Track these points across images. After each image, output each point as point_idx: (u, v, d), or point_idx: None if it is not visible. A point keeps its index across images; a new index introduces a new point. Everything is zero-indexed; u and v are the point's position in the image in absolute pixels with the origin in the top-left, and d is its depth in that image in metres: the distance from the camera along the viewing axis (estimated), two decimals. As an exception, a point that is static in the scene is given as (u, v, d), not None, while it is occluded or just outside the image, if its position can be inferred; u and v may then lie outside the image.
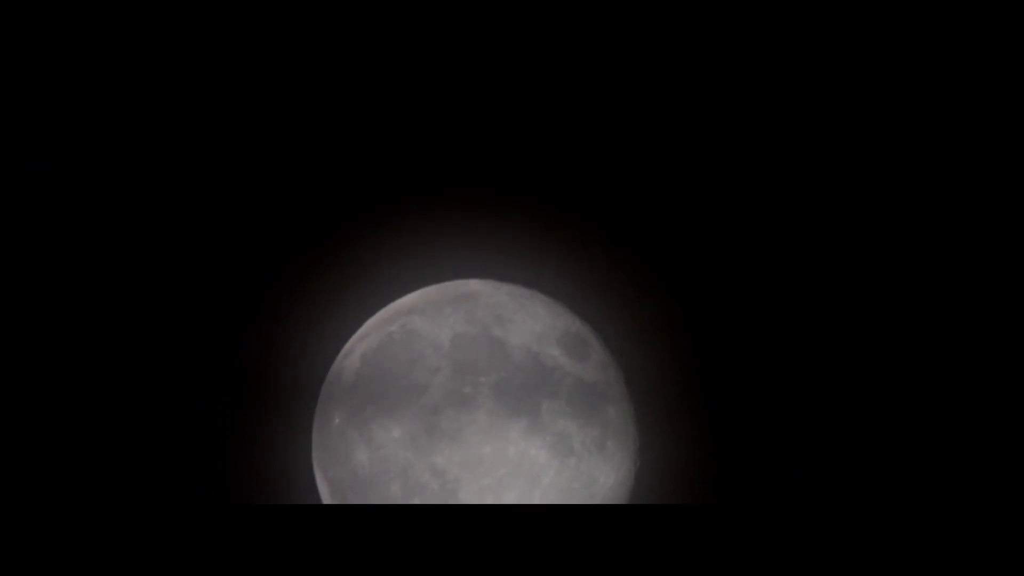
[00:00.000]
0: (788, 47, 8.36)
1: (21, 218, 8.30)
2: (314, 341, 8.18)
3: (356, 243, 8.35)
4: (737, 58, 8.38)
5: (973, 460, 8.36)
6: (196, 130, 8.37)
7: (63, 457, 8.28)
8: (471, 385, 7.35)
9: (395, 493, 7.40)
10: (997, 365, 8.44)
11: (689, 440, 8.39)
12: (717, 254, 8.54)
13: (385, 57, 8.36)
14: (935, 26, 8.34)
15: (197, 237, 8.39)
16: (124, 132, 8.34)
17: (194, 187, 8.40)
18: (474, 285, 8.02)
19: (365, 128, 8.41)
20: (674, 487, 8.29)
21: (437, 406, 7.31)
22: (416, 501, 7.36)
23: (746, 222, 8.56)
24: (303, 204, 8.41)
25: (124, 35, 8.23)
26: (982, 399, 8.39)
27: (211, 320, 8.43)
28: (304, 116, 8.42)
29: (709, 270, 8.54)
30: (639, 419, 8.00)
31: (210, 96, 8.34)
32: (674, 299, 8.56)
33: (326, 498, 7.92)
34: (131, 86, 8.31)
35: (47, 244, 8.30)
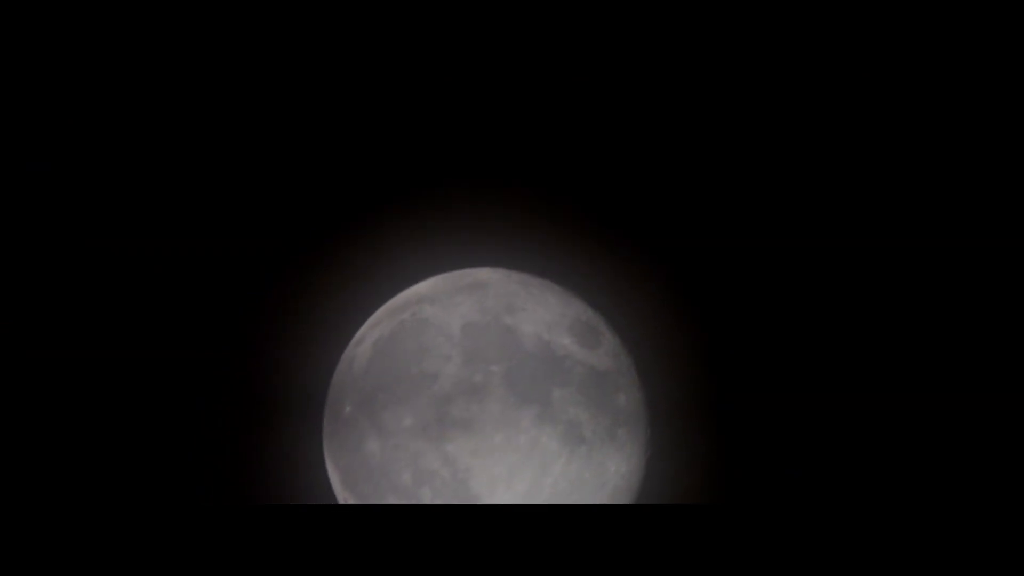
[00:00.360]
0: (803, 42, 8.32)
1: (21, 218, 8.29)
2: (325, 329, 8.19)
3: (367, 232, 8.35)
4: (758, 51, 8.35)
5: (973, 460, 8.35)
6: (196, 128, 8.35)
7: (73, 457, 8.29)
8: (482, 373, 7.35)
9: (406, 482, 7.40)
10: (997, 365, 8.42)
11: (700, 429, 8.38)
12: (728, 244, 8.53)
13: (394, 43, 8.34)
14: (959, 21, 8.31)
15: (201, 230, 8.39)
16: (124, 132, 8.33)
17: (195, 183, 8.40)
18: (485, 274, 8.01)
19: (375, 116, 8.40)
20: (685, 476, 8.29)
21: (448, 395, 7.32)
22: (427, 490, 7.36)
23: (758, 213, 8.54)
24: (313, 193, 8.41)
25: (124, 35, 8.21)
26: (982, 399, 8.37)
27: (219, 311, 8.44)
28: (309, 105, 8.42)
29: (720, 258, 8.53)
30: (650, 407, 7.99)
31: (210, 93, 8.32)
32: (685, 287, 8.55)
33: (337, 487, 7.93)
34: (131, 86, 8.29)
35: (47, 244, 8.29)
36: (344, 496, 7.88)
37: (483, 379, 7.33)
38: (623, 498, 7.82)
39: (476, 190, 8.40)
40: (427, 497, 7.38)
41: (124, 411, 8.34)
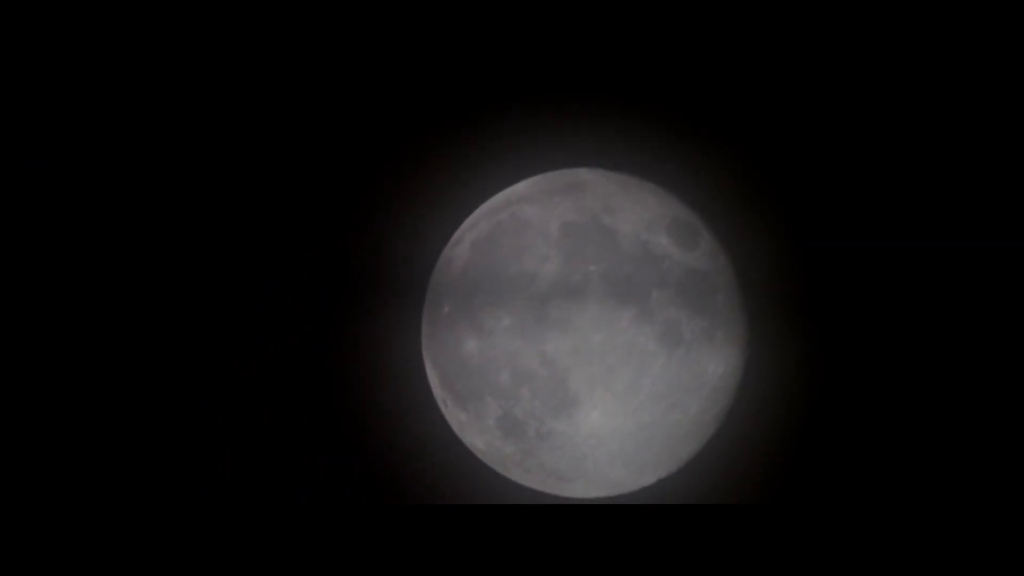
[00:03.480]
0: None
1: (21, 218, 8.25)
2: (424, 229, 8.21)
3: (466, 132, 8.31)
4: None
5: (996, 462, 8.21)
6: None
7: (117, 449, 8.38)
8: (580, 274, 7.33)
9: (504, 382, 7.45)
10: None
11: (798, 330, 8.31)
12: (831, 144, 8.36)
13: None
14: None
15: (293, 139, 8.36)
16: (125, 132, 8.26)
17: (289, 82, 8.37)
18: (583, 174, 7.95)
19: (472, 13, 8.30)
20: (783, 377, 8.25)
21: (546, 295, 7.31)
22: (525, 390, 7.41)
23: (862, 122, 8.32)
24: (412, 94, 8.36)
25: (124, 36, 8.10)
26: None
27: (323, 209, 8.48)
28: (407, 6, 8.32)
29: (821, 159, 8.37)
30: (748, 309, 7.93)
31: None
32: (783, 188, 8.42)
33: (435, 386, 8.02)
34: (131, 86, 8.21)
35: (48, 244, 8.25)
36: (442, 396, 7.98)
37: (581, 279, 7.31)
38: (721, 399, 7.81)
39: (575, 89, 8.30)
40: (525, 397, 7.43)
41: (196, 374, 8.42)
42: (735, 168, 8.34)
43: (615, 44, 8.29)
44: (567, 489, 7.94)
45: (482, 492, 8.28)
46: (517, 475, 8.02)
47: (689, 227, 7.75)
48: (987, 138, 8.27)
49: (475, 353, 7.52)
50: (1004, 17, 8.07)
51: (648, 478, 7.96)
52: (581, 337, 7.27)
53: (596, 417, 7.38)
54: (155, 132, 8.31)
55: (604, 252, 7.38)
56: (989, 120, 8.24)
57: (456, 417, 7.94)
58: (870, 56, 8.25)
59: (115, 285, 8.34)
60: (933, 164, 8.33)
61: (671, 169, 8.11)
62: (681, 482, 8.15)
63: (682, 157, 8.24)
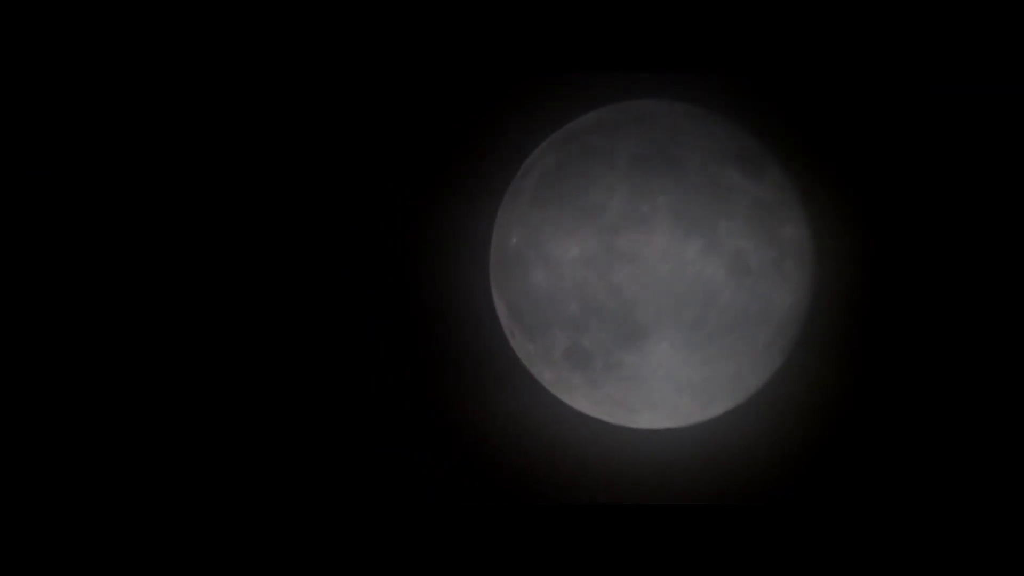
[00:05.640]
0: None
1: (23, 224, 8.26)
2: (492, 161, 8.24)
3: (535, 64, 8.29)
4: None
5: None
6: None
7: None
8: (648, 204, 7.34)
9: (572, 312, 7.51)
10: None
11: (866, 263, 8.27)
12: (900, 77, 8.25)
13: None
14: None
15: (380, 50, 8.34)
16: (130, 131, 8.26)
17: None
18: (651, 105, 7.94)
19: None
20: (852, 309, 8.22)
21: (614, 226, 7.34)
22: (594, 320, 7.46)
23: (937, 60, 8.18)
24: (479, 27, 8.35)
25: (126, 40, 8.07)
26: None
27: (393, 139, 8.53)
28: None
29: (888, 90, 8.27)
30: (817, 240, 7.90)
31: None
32: (852, 119, 8.34)
33: (503, 317, 8.11)
34: (135, 89, 8.19)
35: (52, 250, 8.25)
36: (510, 328, 8.06)
37: (649, 210, 7.33)
38: (790, 330, 7.81)
39: (643, 21, 8.24)
40: (593, 328, 7.49)
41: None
42: (803, 98, 8.26)
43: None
44: (634, 420, 8.01)
45: (549, 424, 8.37)
46: (584, 406, 8.10)
47: (757, 158, 7.72)
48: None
49: (543, 284, 7.58)
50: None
51: (715, 409, 8.00)
52: (649, 268, 7.29)
53: (664, 348, 7.42)
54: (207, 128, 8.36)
55: (671, 183, 7.38)
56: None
57: (524, 348, 8.03)
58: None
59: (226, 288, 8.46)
60: (1003, 100, 8.20)
61: (739, 100, 8.07)
62: (748, 414, 8.19)
63: (750, 88, 8.19)
